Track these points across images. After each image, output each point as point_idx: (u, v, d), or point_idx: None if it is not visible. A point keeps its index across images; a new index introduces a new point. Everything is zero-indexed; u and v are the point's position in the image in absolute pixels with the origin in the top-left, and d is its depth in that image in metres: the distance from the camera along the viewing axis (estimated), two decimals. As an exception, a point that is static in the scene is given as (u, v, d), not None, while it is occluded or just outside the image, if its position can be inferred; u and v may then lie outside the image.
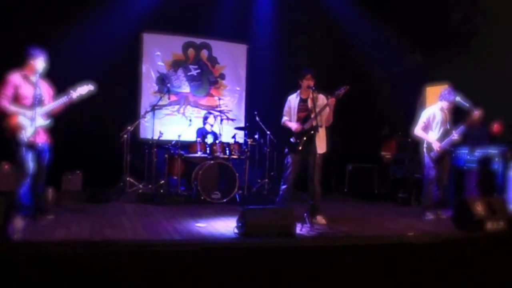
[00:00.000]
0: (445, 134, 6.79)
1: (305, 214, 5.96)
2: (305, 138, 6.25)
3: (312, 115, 6.17)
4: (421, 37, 8.99)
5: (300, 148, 6.27)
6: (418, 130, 6.97)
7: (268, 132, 9.04)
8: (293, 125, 6.38)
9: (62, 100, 5.77)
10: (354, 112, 10.15)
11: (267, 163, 9.11)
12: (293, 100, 6.55)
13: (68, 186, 8.52)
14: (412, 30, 8.98)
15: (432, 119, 6.90)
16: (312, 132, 6.12)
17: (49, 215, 5.90)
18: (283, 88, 10.27)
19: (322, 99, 6.28)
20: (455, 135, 6.70)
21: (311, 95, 6.25)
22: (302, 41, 10.81)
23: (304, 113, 6.38)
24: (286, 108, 6.60)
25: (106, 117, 9.28)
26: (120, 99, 9.68)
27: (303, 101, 6.45)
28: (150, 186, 8.42)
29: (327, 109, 6.18)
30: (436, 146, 6.76)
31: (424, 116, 6.96)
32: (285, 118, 6.59)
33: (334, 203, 8.49)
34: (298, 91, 6.52)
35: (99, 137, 9.02)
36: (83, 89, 5.79)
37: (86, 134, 8.92)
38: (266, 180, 9.05)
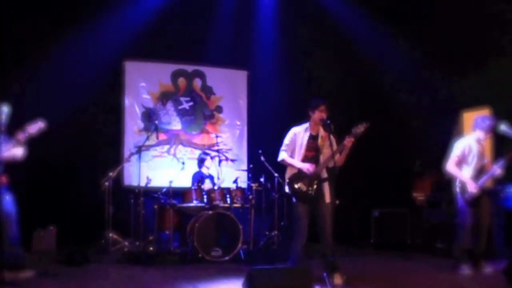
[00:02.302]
0: (481, 171, 6.82)
1: (325, 274, 5.91)
2: (315, 184, 6.23)
3: (322, 157, 6.22)
4: (456, 57, 9.14)
5: (310, 195, 6.23)
6: (450, 166, 6.96)
7: (276, 175, 9.07)
8: (305, 166, 6.27)
9: (11, 144, 5.96)
10: (379, 147, 10.21)
11: (275, 211, 9.12)
12: (300, 135, 6.46)
13: (40, 245, 8.53)
14: (445, 49, 9.15)
15: (468, 152, 6.91)
16: (330, 176, 6.10)
17: (25, 272, 5.96)
18: (292, 122, 10.43)
19: (334, 141, 6.25)
20: (497, 170, 6.72)
21: (321, 132, 6.30)
22: (312, 65, 10.96)
23: (313, 152, 6.35)
24: (288, 142, 6.49)
25: (83, 162, 9.40)
26: (100, 139, 9.80)
27: (313, 138, 6.41)
28: (137, 243, 8.41)
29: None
30: (472, 187, 6.77)
31: (458, 148, 6.96)
32: (286, 155, 6.46)
33: (358, 257, 8.46)
34: (308, 125, 6.47)
35: (76, 186, 9.11)
36: (33, 128, 6.02)
37: (60, 182, 9.00)
38: (276, 232, 9.04)
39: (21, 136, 5.96)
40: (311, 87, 10.81)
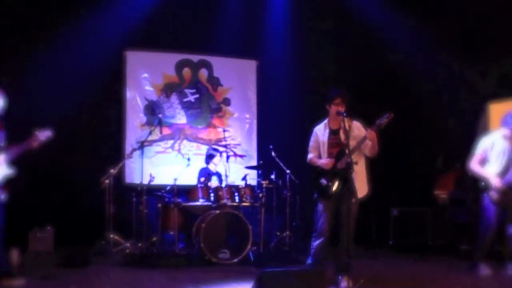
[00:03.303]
0: (509, 167, 6.82)
1: (340, 277, 5.95)
2: (338, 179, 6.29)
3: (347, 150, 6.13)
4: (483, 43, 9.10)
5: (333, 191, 6.30)
6: (473, 164, 7.01)
7: (288, 171, 9.09)
8: (323, 162, 6.40)
9: (21, 148, 6.18)
10: (398, 141, 10.19)
11: (287, 210, 9.13)
12: (320, 132, 6.58)
13: (37, 246, 8.59)
14: (470, 35, 9.12)
15: (490, 149, 6.94)
16: (347, 171, 6.05)
17: (16, 279, 6.02)
18: (306, 114, 10.52)
19: (358, 128, 6.35)
20: None
21: (342, 125, 6.29)
22: (328, 54, 10.95)
23: (337, 148, 6.39)
24: (312, 143, 6.68)
25: (82, 158, 9.44)
26: (100, 134, 9.87)
27: (333, 133, 6.47)
28: (140, 244, 8.45)
29: (368, 142, 6.21)
30: (496, 182, 6.78)
31: (481, 146, 7.01)
32: (311, 155, 6.66)
33: (375, 260, 8.49)
34: (326, 120, 6.57)
35: (75, 184, 9.15)
36: (43, 135, 6.26)
37: (58, 181, 9.06)
38: (287, 232, 9.06)
39: (34, 143, 6.20)
40: (325, 79, 10.78)
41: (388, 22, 10.05)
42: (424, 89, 10.33)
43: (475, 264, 6.92)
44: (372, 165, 8.42)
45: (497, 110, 8.71)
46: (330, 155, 6.41)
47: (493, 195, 6.79)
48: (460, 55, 9.68)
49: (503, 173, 6.82)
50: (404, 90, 10.31)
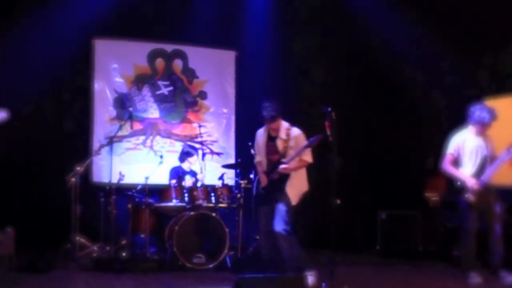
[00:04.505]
0: (484, 165, 6.95)
1: (323, 284, 6.08)
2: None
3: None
4: (476, 37, 9.21)
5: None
6: (446, 165, 7.15)
7: (268, 170, 9.12)
8: (261, 178, 6.93)
9: None
10: (386, 141, 10.28)
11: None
12: (260, 136, 7.05)
13: (-4, 250, 8.54)
14: (462, 29, 9.22)
15: (462, 148, 7.07)
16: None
17: None
18: (288, 110, 10.53)
19: (295, 137, 6.69)
20: (506, 157, 6.84)
21: (282, 135, 6.71)
22: (311, 44, 11.01)
23: (275, 156, 6.77)
24: (255, 145, 7.18)
25: (46, 155, 9.41)
26: (65, 129, 9.84)
27: (271, 139, 6.85)
28: (108, 248, 8.44)
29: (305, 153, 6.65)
30: (473, 184, 6.88)
31: (452, 145, 7.14)
32: (257, 159, 7.15)
33: (361, 266, 8.59)
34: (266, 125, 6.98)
35: (38, 182, 9.12)
36: None
37: (19, 178, 9.02)
38: (268, 236, 9.09)
39: None
40: (309, 70, 10.84)
41: (377, 11, 10.12)
42: (414, 87, 10.44)
43: (465, 272, 7.00)
44: (359, 165, 8.56)
45: (492, 107, 8.80)
46: (269, 162, 6.82)
47: (470, 197, 6.89)
48: (453, 50, 9.77)
49: (478, 173, 6.93)
50: (394, 87, 10.41)
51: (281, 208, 6.53)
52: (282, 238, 6.45)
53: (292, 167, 6.58)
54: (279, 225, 6.47)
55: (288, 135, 6.64)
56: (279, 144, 6.69)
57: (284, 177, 6.59)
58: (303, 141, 6.60)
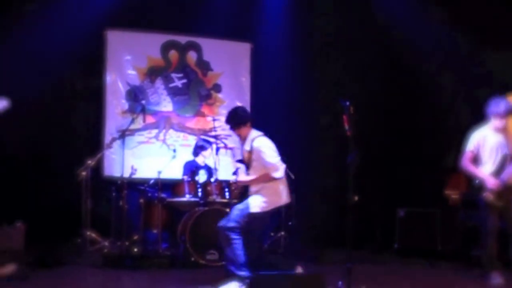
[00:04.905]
0: (505, 163, 6.87)
1: (340, 283, 6.03)
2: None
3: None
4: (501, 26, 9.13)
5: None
6: (465, 163, 7.07)
7: (284, 165, 9.04)
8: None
9: None
10: (406, 136, 10.22)
11: (282, 209, 9.07)
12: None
13: (5, 244, 8.52)
14: (486, 19, 9.15)
15: (483, 145, 6.98)
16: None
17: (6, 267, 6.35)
18: (305, 103, 10.53)
19: (256, 149, 6.46)
20: None
21: (247, 146, 6.58)
22: (329, 37, 10.94)
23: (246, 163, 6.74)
24: None
25: (57, 148, 9.42)
26: (77, 122, 9.85)
27: (243, 146, 6.77)
28: (119, 243, 8.44)
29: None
30: (492, 183, 6.81)
31: (471, 142, 7.06)
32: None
33: (379, 265, 8.55)
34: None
35: (48, 176, 9.14)
36: None
37: (30, 172, 9.04)
38: (282, 233, 9.11)
39: None
40: (327, 63, 10.78)
41: (395, 4, 10.04)
42: (435, 81, 10.34)
43: (486, 273, 6.95)
44: (378, 161, 8.49)
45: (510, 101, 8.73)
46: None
47: (489, 196, 6.82)
48: (476, 43, 9.68)
49: (498, 172, 6.86)
50: (415, 83, 10.33)
51: (236, 207, 6.50)
52: (221, 234, 6.39)
53: (248, 180, 6.50)
54: (223, 221, 6.44)
55: (251, 146, 6.46)
56: (244, 154, 6.62)
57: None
58: (264, 153, 6.36)
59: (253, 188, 6.48)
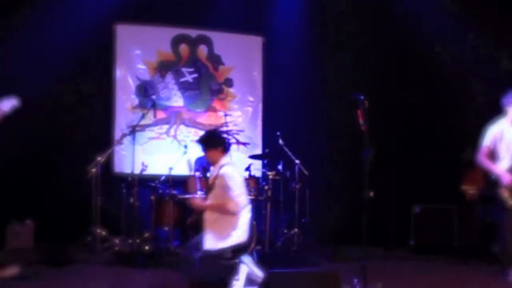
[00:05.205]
0: None
1: (355, 280, 6.03)
2: None
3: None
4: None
5: None
6: (481, 158, 7.03)
7: (297, 162, 9.10)
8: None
9: None
10: (421, 130, 10.16)
11: (296, 205, 9.15)
12: None
13: (15, 242, 8.60)
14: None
15: (500, 140, 6.92)
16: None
17: (9, 268, 6.29)
18: (318, 98, 10.48)
19: (220, 176, 6.05)
20: None
21: (213, 170, 6.30)
22: (344, 30, 10.88)
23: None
24: None
25: (66, 144, 9.43)
26: (86, 118, 9.85)
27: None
28: (130, 241, 8.49)
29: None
30: (506, 178, 6.80)
31: (488, 137, 7.00)
32: None
33: (395, 262, 8.54)
34: None
35: (58, 173, 9.15)
36: (5, 105, 6.23)
37: (39, 169, 9.05)
38: (296, 230, 9.08)
39: None
40: (341, 56, 10.72)
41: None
42: (450, 74, 10.26)
43: (504, 269, 6.91)
44: (393, 156, 8.44)
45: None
46: None
47: (504, 193, 6.79)
48: (490, 37, 9.63)
49: None
50: (431, 76, 10.27)
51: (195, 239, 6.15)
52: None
53: (204, 205, 6.09)
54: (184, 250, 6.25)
55: (218, 172, 6.09)
56: (210, 177, 6.36)
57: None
58: (230, 185, 5.91)
59: (208, 216, 6.01)
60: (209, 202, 6.10)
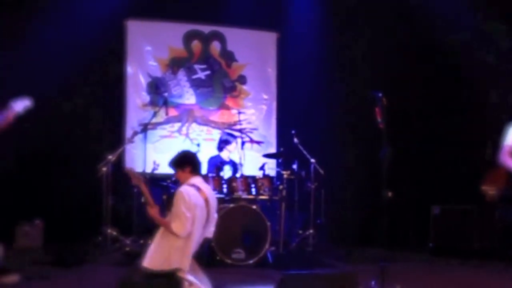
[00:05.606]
0: None
1: (373, 282, 5.98)
2: None
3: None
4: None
5: None
6: (503, 158, 7.02)
7: (313, 161, 9.07)
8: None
9: None
10: (441, 129, 10.10)
11: (311, 205, 9.13)
12: None
13: (24, 242, 8.62)
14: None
15: None
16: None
17: (9, 276, 6.17)
18: (334, 95, 10.44)
19: (175, 194, 5.88)
20: None
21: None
22: (358, 26, 10.85)
23: None
24: None
25: (76, 143, 9.44)
26: (96, 116, 9.86)
27: None
28: (141, 241, 8.47)
29: None
30: None
31: (509, 135, 6.96)
32: None
33: (413, 264, 8.47)
34: None
35: (68, 172, 9.16)
36: (19, 105, 6.24)
37: (49, 168, 9.06)
38: (311, 230, 9.05)
39: (8, 114, 6.16)
40: (358, 53, 10.67)
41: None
42: (471, 74, 10.19)
43: None
44: (411, 155, 8.38)
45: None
46: None
47: None
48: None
49: None
50: (451, 73, 10.19)
51: None
52: None
53: (155, 216, 5.79)
54: None
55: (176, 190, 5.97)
56: None
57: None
58: (177, 202, 5.69)
59: (160, 231, 5.78)
60: (157, 215, 5.81)
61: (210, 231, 6.01)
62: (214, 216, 6.01)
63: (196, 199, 5.68)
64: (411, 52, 10.47)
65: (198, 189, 5.78)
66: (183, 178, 5.99)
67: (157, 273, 5.48)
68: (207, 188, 5.97)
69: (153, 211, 5.79)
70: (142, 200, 6.45)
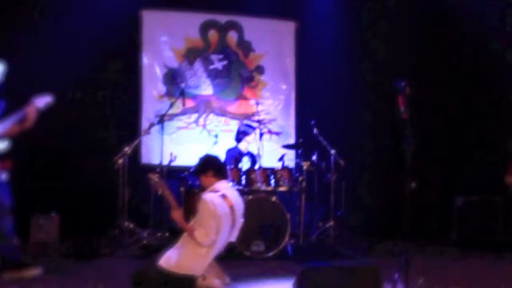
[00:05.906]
0: None
1: (396, 275, 5.86)
2: None
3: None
4: None
5: None
6: None
7: (333, 152, 8.99)
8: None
9: (16, 118, 6.21)
10: (465, 119, 10.02)
11: (331, 197, 9.05)
12: None
13: (39, 235, 8.61)
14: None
15: None
16: None
17: (32, 269, 6.23)
18: (354, 85, 10.39)
19: (200, 203, 5.77)
20: None
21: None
22: (380, 14, 10.77)
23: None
24: None
25: (92, 135, 9.45)
26: (112, 107, 9.87)
27: None
28: (158, 234, 8.48)
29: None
30: None
31: None
32: None
33: (436, 257, 8.42)
34: None
35: (83, 164, 9.17)
36: (41, 102, 6.30)
37: (64, 160, 9.07)
38: (331, 223, 8.97)
39: (29, 110, 6.21)
40: (378, 43, 10.60)
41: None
42: (496, 64, 10.10)
43: None
44: (434, 146, 8.31)
45: None
46: None
47: None
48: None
49: None
50: (475, 63, 10.11)
51: None
52: None
53: (180, 220, 5.77)
54: None
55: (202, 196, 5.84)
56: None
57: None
58: (200, 212, 5.67)
59: (184, 235, 5.79)
60: (183, 221, 5.79)
61: (234, 235, 5.95)
62: (240, 221, 5.94)
63: (221, 208, 5.63)
64: (437, 41, 10.40)
65: (223, 196, 5.72)
66: (208, 183, 5.95)
67: (173, 275, 5.46)
68: (232, 194, 5.88)
69: (177, 214, 5.76)
70: (159, 191, 6.44)
